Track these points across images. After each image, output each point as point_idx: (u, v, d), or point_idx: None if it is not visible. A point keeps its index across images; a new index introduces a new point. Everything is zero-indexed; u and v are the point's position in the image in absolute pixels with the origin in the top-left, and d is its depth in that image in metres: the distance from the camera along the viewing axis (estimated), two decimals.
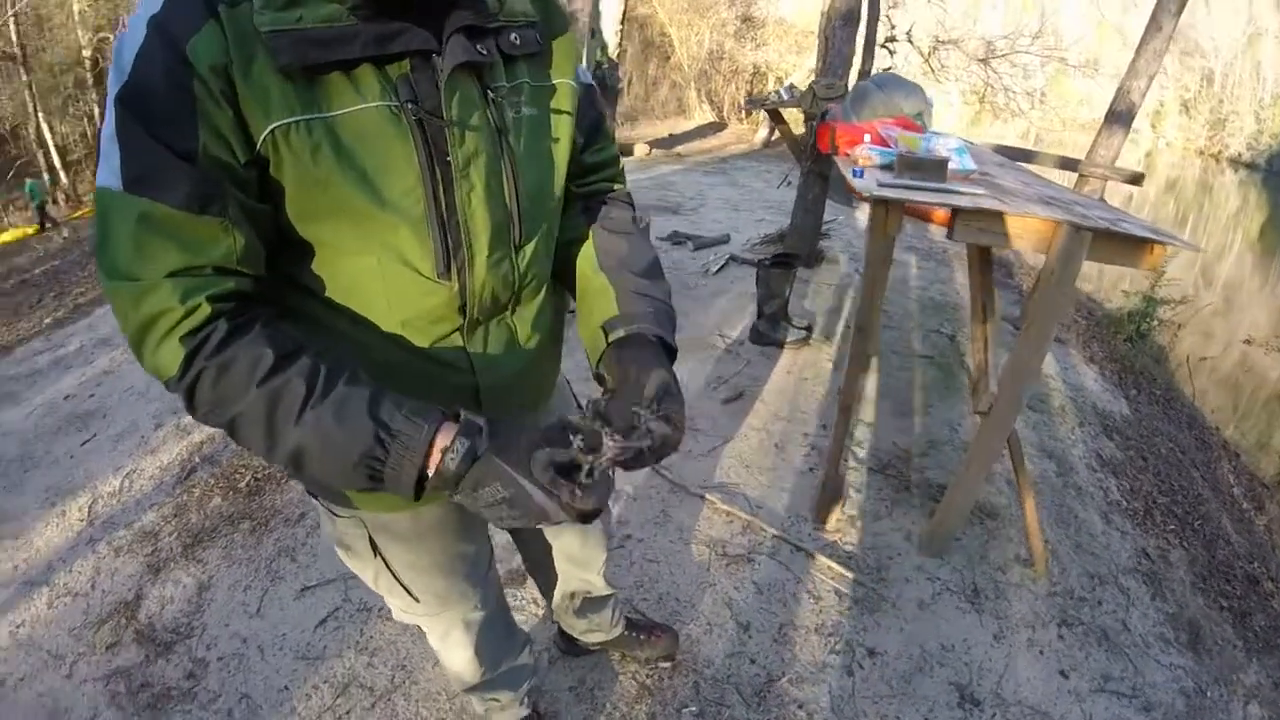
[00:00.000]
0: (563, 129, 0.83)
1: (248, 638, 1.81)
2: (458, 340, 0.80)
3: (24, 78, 13.82)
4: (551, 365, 0.99)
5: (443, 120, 0.68)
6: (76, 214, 13.67)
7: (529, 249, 0.81)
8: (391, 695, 1.63)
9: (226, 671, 1.72)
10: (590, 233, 0.91)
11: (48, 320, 4.32)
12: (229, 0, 0.60)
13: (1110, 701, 1.68)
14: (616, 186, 0.98)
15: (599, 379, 0.82)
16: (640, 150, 9.12)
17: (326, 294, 0.73)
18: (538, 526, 0.66)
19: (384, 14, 0.64)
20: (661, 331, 0.81)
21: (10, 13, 12.38)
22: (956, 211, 1.56)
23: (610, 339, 0.81)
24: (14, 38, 13.00)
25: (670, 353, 0.82)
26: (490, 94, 0.73)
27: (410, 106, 0.67)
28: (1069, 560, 2.11)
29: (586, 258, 0.90)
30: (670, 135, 10.66)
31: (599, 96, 0.94)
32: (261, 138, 0.62)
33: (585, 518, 0.65)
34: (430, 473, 0.64)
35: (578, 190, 0.94)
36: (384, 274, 0.72)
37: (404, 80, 0.67)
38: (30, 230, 12.29)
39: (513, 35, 0.75)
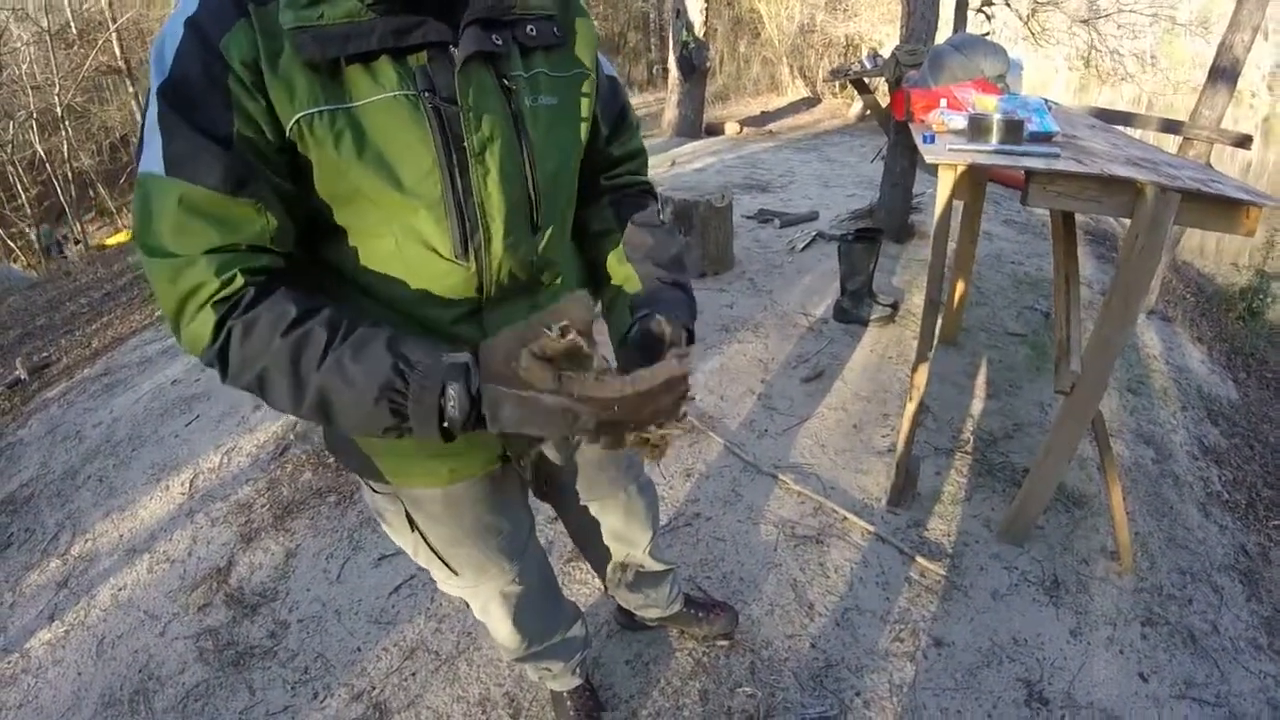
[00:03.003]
0: (581, 118, 0.85)
1: (327, 602, 1.92)
2: (475, 320, 0.82)
3: (130, 89, 14.81)
4: None
5: (458, 107, 0.71)
6: None
7: (547, 232, 0.83)
8: (455, 660, 1.70)
9: (305, 633, 1.83)
10: (619, 226, 0.94)
11: (158, 313, 4.67)
12: (258, 0, 0.64)
13: (1191, 709, 1.56)
14: (642, 179, 1.00)
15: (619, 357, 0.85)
16: (731, 129, 8.93)
17: (355, 274, 0.77)
18: (581, 435, 0.63)
19: (401, 9, 0.68)
20: (685, 319, 0.84)
21: (113, 29, 13.29)
22: (1029, 174, 1.47)
23: (635, 317, 0.84)
24: (118, 51, 13.91)
25: (689, 337, 0.84)
26: (506, 83, 0.75)
27: (427, 95, 0.69)
28: (1160, 554, 1.96)
29: (615, 250, 0.93)
30: (762, 113, 10.40)
31: (623, 89, 0.96)
32: (289, 126, 0.66)
33: (614, 411, 0.61)
34: (445, 424, 0.65)
35: (606, 183, 0.97)
36: (404, 254, 0.75)
37: (421, 70, 0.70)
38: None
39: (529, 27, 0.77)
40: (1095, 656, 1.66)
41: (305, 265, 0.76)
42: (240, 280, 0.65)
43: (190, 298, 0.65)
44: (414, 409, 0.65)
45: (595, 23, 0.89)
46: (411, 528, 1.00)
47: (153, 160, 0.64)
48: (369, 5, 0.66)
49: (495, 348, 0.64)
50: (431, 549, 1.02)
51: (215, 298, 0.64)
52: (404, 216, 0.72)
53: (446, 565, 1.04)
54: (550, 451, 0.82)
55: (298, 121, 0.66)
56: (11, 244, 13.57)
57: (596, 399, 0.60)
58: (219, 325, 0.65)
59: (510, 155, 0.76)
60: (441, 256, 0.75)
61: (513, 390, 0.62)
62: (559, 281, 0.89)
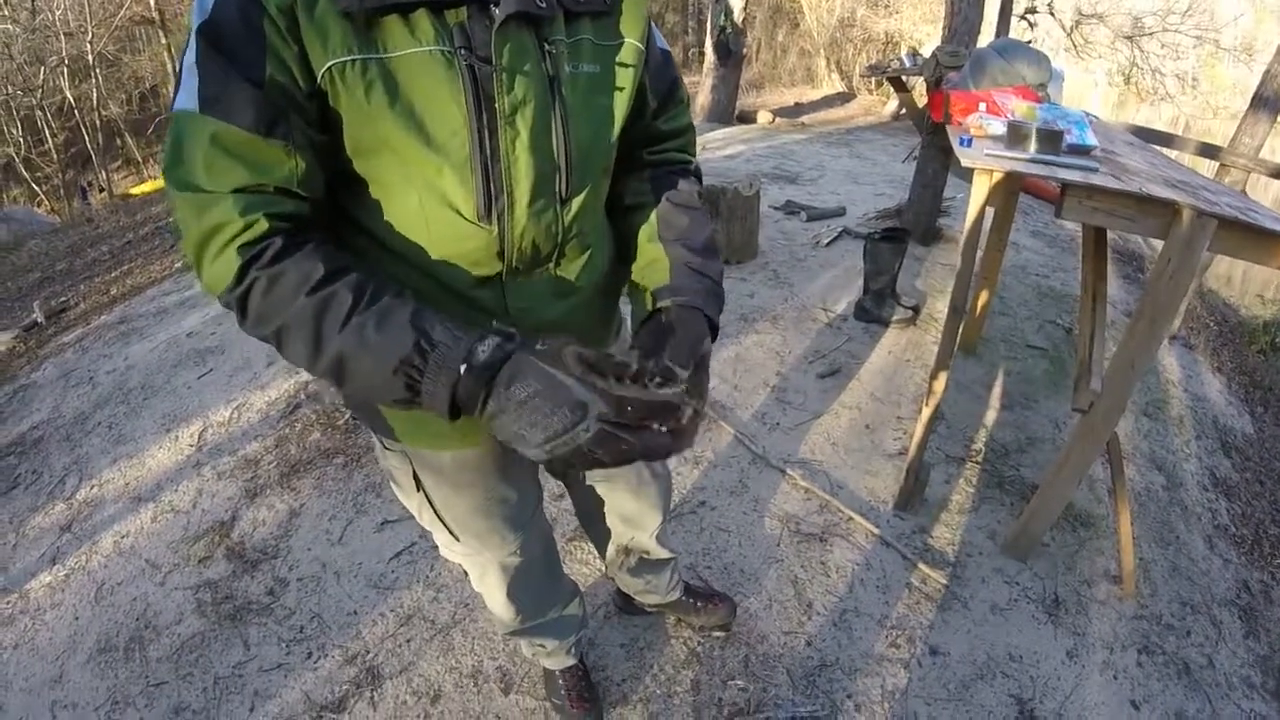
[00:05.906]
0: (623, 88, 0.82)
1: (327, 563, 1.93)
2: (496, 285, 0.81)
3: (163, 40, 14.75)
4: (601, 322, 0.99)
5: (492, 66, 0.69)
6: None
7: (576, 202, 0.81)
8: (450, 630, 1.71)
9: (304, 592, 1.84)
10: (654, 203, 0.91)
11: (178, 264, 4.68)
12: None
13: None
14: (685, 157, 0.97)
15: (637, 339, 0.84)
16: (764, 118, 8.88)
17: (375, 229, 0.76)
18: (578, 446, 0.63)
19: None
20: (708, 309, 0.83)
21: None
22: (1065, 187, 1.44)
23: (658, 305, 0.83)
24: (152, 2, 13.87)
25: (713, 330, 0.83)
26: (547, 46, 0.73)
27: (463, 52, 0.68)
28: (1162, 583, 1.94)
29: (648, 227, 0.90)
30: (796, 104, 10.30)
31: (675, 64, 0.93)
32: (320, 73, 0.66)
33: (627, 412, 0.62)
34: (463, 369, 0.64)
35: (649, 158, 0.94)
36: (426, 213, 0.74)
37: (459, 27, 0.69)
38: None
39: None
40: (1089, 680, 1.65)
41: (331, 217, 0.76)
42: (265, 224, 0.65)
43: (214, 235, 0.65)
44: (428, 386, 0.65)
45: None
46: (418, 487, 0.99)
47: (188, 98, 0.64)
48: None
49: (553, 339, 0.66)
50: (435, 512, 1.02)
51: (239, 240, 0.64)
52: (428, 174, 0.72)
53: (449, 530, 1.04)
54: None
55: (329, 69, 0.65)
56: (37, 188, 13.67)
57: (613, 395, 0.62)
58: (242, 271, 0.65)
59: (542, 120, 0.74)
60: (464, 218, 0.74)
61: (541, 364, 0.63)
62: (586, 254, 0.88)
